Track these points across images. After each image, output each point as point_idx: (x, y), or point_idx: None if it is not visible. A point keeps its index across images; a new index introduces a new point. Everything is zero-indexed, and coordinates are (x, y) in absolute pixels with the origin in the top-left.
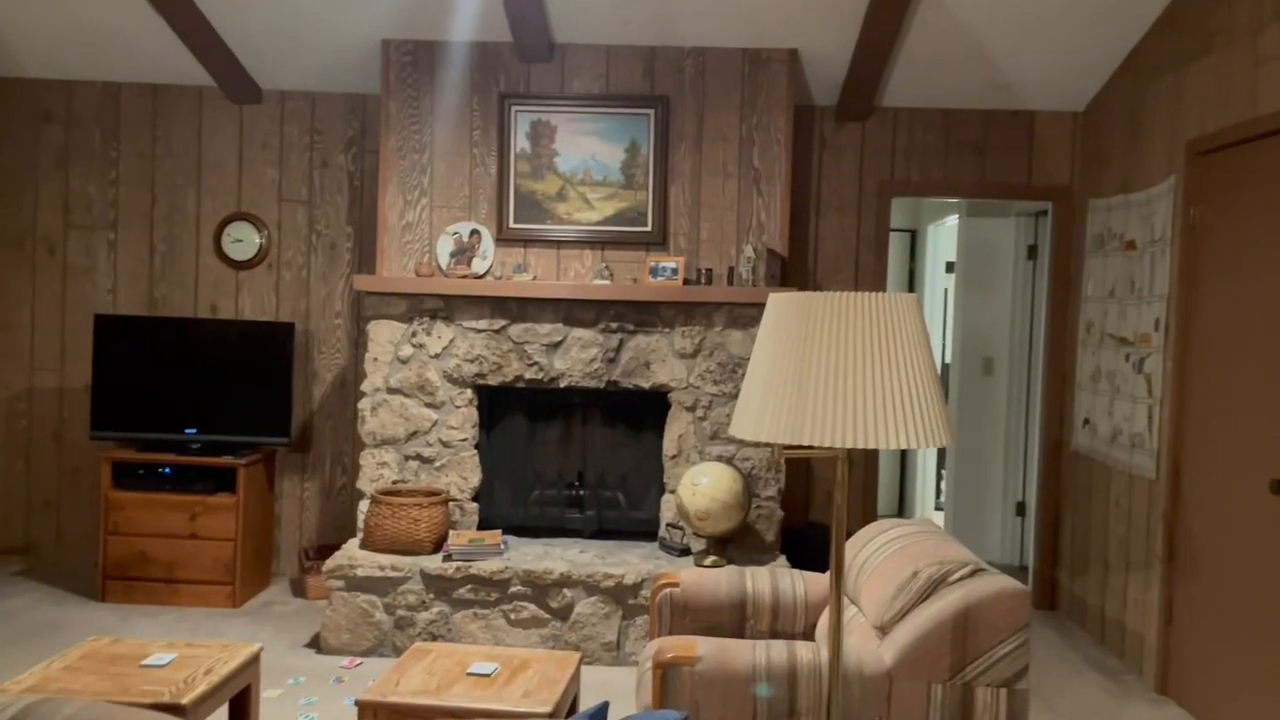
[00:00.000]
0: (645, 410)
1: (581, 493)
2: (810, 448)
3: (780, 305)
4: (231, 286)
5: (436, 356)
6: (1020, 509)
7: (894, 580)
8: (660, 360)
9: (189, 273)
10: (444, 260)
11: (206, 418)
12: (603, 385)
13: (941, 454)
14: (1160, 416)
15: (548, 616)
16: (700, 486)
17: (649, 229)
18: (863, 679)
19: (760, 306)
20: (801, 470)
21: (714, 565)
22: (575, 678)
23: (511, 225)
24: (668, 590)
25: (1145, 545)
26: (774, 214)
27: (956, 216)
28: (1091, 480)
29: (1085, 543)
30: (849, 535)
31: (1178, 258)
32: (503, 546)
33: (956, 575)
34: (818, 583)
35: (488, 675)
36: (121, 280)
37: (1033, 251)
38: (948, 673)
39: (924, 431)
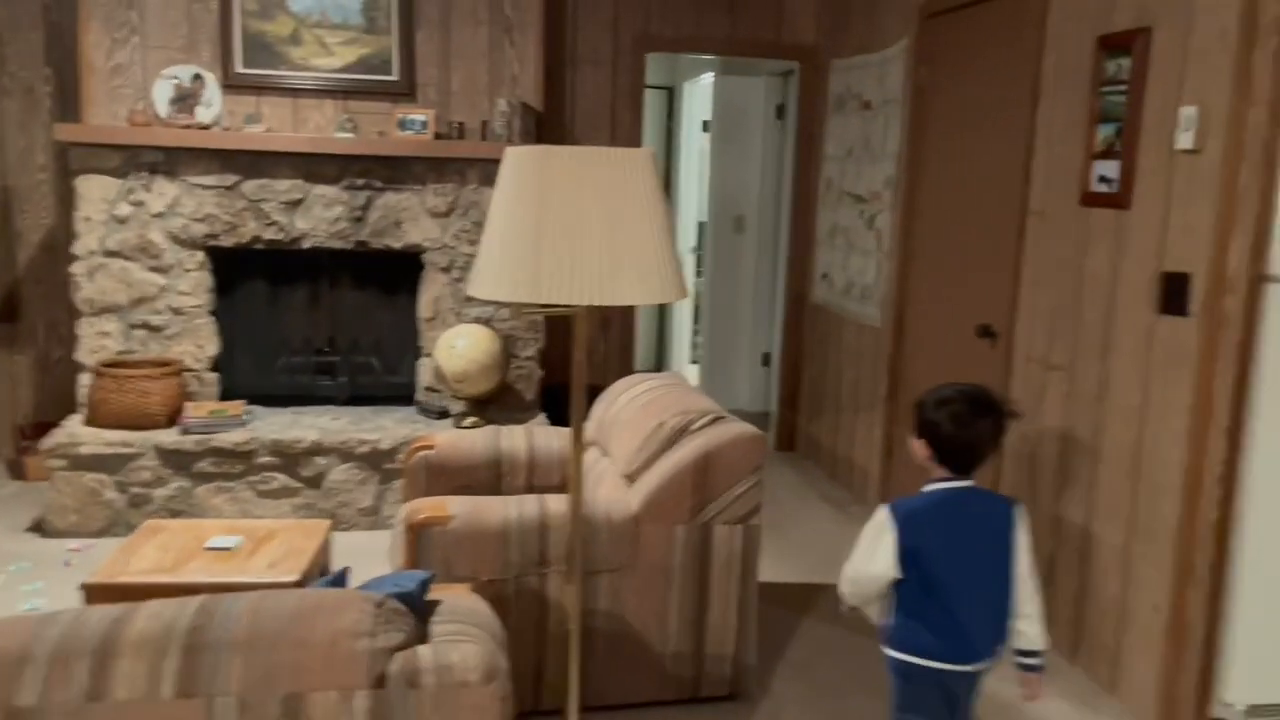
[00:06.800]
0: (398, 272)
1: (333, 359)
2: (548, 307)
3: (516, 160)
4: None
5: (160, 216)
6: (766, 359)
7: (641, 431)
8: (412, 219)
9: None
10: (163, 109)
11: None
12: (351, 246)
13: (697, 311)
14: (887, 269)
15: (299, 485)
16: (457, 349)
17: (395, 78)
18: (611, 525)
19: None
20: (562, 330)
21: (473, 426)
22: (325, 546)
23: (240, 70)
24: (423, 453)
25: (872, 388)
26: (528, 66)
27: (712, 74)
28: (828, 330)
29: (821, 388)
30: (605, 390)
31: (907, 117)
32: (246, 417)
33: (698, 424)
34: None
35: (229, 549)
36: None
37: (781, 111)
38: (689, 514)
39: (657, 287)
